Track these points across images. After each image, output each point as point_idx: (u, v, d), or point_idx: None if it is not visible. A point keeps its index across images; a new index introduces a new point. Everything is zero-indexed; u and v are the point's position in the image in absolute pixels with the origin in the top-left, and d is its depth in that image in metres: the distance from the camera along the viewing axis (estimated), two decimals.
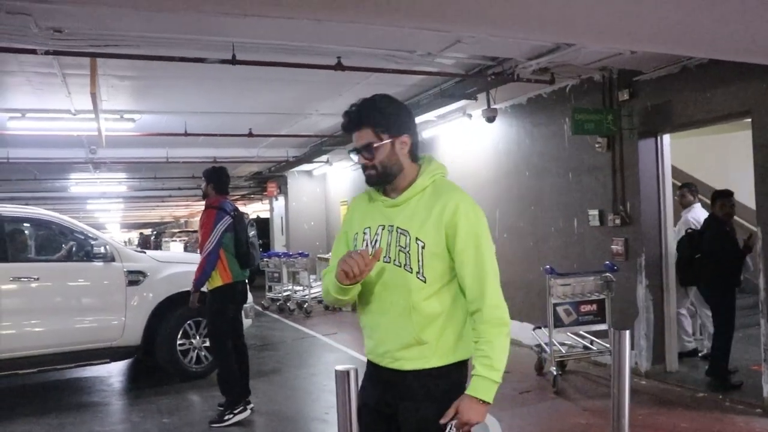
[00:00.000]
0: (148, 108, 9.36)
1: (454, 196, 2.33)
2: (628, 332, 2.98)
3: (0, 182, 16.88)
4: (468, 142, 10.20)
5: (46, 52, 5.67)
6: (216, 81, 7.91)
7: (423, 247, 2.27)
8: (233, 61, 6.05)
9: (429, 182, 2.38)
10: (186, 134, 10.14)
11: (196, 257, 6.26)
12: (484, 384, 2.21)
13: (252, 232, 6.12)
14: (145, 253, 7.69)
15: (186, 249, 27.85)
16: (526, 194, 8.84)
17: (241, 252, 5.86)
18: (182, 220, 45.65)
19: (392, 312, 2.32)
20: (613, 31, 4.44)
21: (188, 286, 6.10)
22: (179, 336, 7.20)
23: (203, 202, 6.08)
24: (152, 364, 7.46)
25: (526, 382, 7.01)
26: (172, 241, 30.40)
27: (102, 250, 7.00)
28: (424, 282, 2.28)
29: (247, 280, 6.13)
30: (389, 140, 2.33)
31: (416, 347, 2.29)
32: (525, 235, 8.88)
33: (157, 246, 28.74)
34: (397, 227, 2.32)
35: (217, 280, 5.75)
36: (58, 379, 7.73)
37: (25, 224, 7.51)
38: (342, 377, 2.30)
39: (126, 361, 7.75)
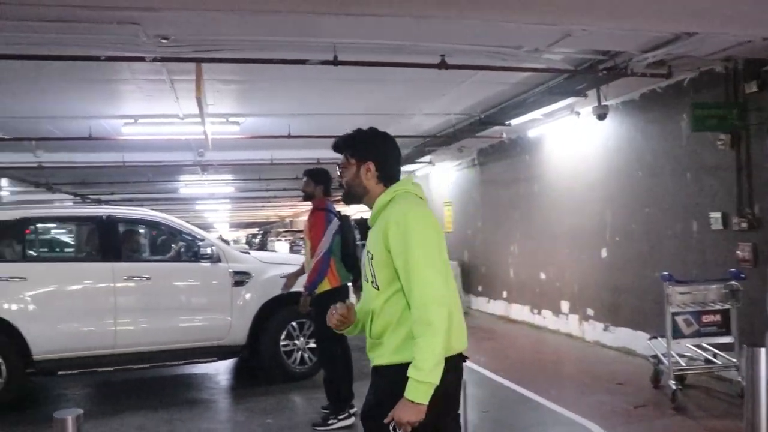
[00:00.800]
0: (252, 111, 9.50)
1: (396, 207, 2.59)
2: (764, 350, 2.67)
3: (117, 184, 17.73)
4: (576, 141, 9.78)
5: (154, 59, 5.81)
6: (318, 82, 7.90)
7: (372, 258, 2.60)
8: (335, 62, 5.99)
9: (388, 199, 2.66)
10: (290, 136, 10.22)
11: (299, 258, 6.22)
12: (411, 384, 2.35)
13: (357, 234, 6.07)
14: (249, 254, 7.78)
15: (291, 249, 28.44)
16: (640, 195, 8.36)
17: (348, 254, 5.77)
18: (287, 220, 46.66)
19: (368, 318, 2.64)
20: (745, 16, 4.04)
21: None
22: (283, 337, 7.22)
23: (306, 203, 6.03)
24: (257, 364, 7.54)
25: (641, 395, 6.58)
26: (278, 240, 31.10)
27: (209, 251, 7.12)
28: (378, 290, 2.57)
29: (350, 283, 6.06)
30: (355, 164, 2.73)
31: (378, 347, 2.59)
32: (638, 239, 8.39)
33: (263, 245, 29.41)
34: (366, 245, 2.70)
35: (325, 284, 5.67)
36: (168, 375, 7.94)
37: (137, 225, 7.77)
38: None
39: (231, 360, 7.89)
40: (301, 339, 7.30)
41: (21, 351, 6.39)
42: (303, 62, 6.11)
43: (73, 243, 11.47)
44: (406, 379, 2.36)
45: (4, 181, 15.83)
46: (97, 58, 5.78)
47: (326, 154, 13.61)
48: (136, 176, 15.73)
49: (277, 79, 7.73)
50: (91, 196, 21.12)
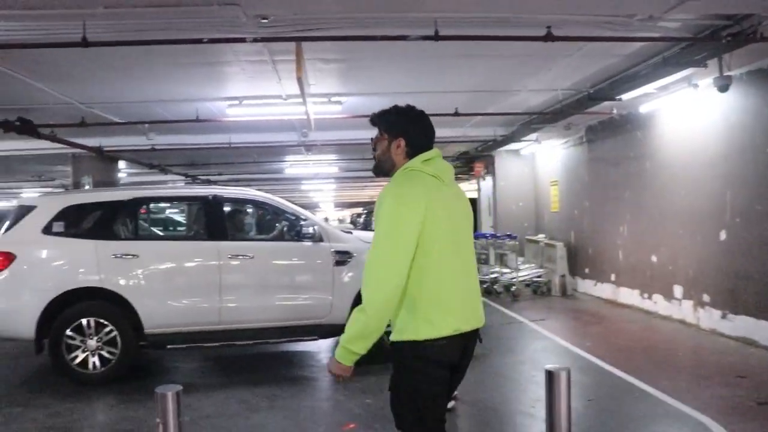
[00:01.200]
0: (354, 90, 9.45)
1: (387, 185, 2.72)
2: None
3: (225, 165, 18.26)
4: (693, 116, 9.17)
5: (254, 40, 5.84)
6: (420, 60, 7.75)
7: None
8: (436, 37, 5.82)
9: (399, 174, 2.79)
10: None
11: None
12: (338, 347, 2.69)
13: None
14: (351, 233, 7.76)
15: None
16: (766, 174, 7.73)
17: None
18: None
19: None
20: None
21: None
22: None
23: None
24: None
25: (765, 390, 6.12)
26: None
27: (311, 230, 7.15)
28: None
29: None
30: (387, 139, 2.86)
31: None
32: (763, 221, 7.78)
33: (367, 225, 29.68)
34: None
35: None
36: (270, 351, 8.09)
37: (242, 205, 7.91)
38: (555, 377, 2.67)
39: (333, 339, 7.92)
40: None
41: (134, 325, 6.67)
42: (403, 38, 5.97)
43: (181, 222, 11.93)
44: (403, 355, 2.69)
45: (122, 164, 16.59)
46: (199, 41, 5.86)
47: None
48: (243, 157, 16.11)
49: (378, 57, 7.63)
50: (201, 177, 21.89)
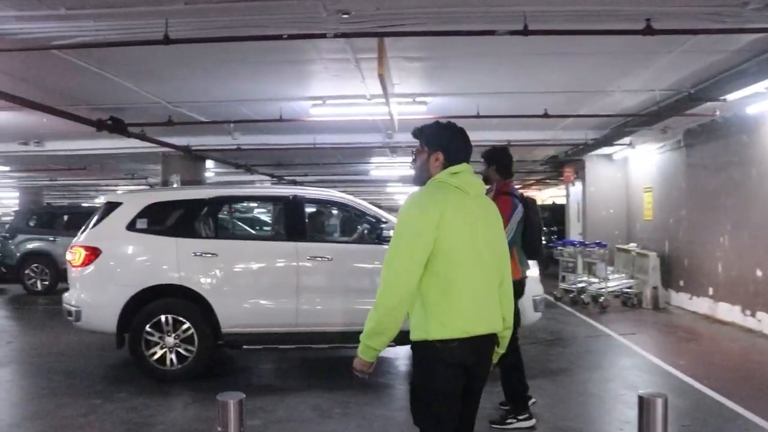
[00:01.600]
0: (439, 90, 9.21)
1: (412, 193, 2.96)
2: None
3: (310, 166, 18.35)
4: None
5: (335, 35, 5.69)
6: (507, 58, 7.45)
7: None
8: (525, 32, 5.49)
9: (427, 184, 2.98)
10: (478, 116, 9.80)
11: None
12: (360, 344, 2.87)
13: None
14: None
15: None
16: None
17: (532, 241, 5.29)
18: None
19: None
20: None
21: None
22: None
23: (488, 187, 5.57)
24: None
25: None
26: None
27: (391, 233, 6.91)
28: None
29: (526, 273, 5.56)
30: (426, 152, 2.99)
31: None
32: None
33: None
34: None
35: None
36: (346, 356, 7.90)
37: (322, 206, 7.79)
38: (650, 405, 2.47)
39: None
40: None
41: (211, 323, 6.64)
42: (491, 33, 5.68)
43: (261, 222, 11.98)
44: (418, 354, 2.88)
45: (210, 163, 16.92)
46: (279, 37, 5.75)
47: (517, 135, 13.10)
48: (328, 158, 16.14)
49: (465, 55, 7.37)
50: (287, 178, 22.12)
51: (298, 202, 7.11)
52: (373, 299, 6.05)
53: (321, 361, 7.77)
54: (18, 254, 14.89)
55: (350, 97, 9.34)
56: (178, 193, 7.49)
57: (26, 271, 14.71)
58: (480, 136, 12.91)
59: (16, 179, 22.93)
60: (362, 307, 6.68)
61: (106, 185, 24.23)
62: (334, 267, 6.77)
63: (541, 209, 5.68)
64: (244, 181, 20.35)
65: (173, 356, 6.65)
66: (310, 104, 9.59)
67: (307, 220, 7.30)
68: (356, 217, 7.40)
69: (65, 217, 15.85)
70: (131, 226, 6.91)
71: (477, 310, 2.83)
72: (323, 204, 7.75)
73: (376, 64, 6.45)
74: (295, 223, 7.06)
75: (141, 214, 6.96)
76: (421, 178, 3.04)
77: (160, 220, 7.08)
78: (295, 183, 22.22)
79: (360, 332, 6.18)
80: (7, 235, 15.63)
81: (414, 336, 2.87)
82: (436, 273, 2.78)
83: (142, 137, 11.19)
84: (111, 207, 7.10)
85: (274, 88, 9.01)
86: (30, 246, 14.94)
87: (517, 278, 5.18)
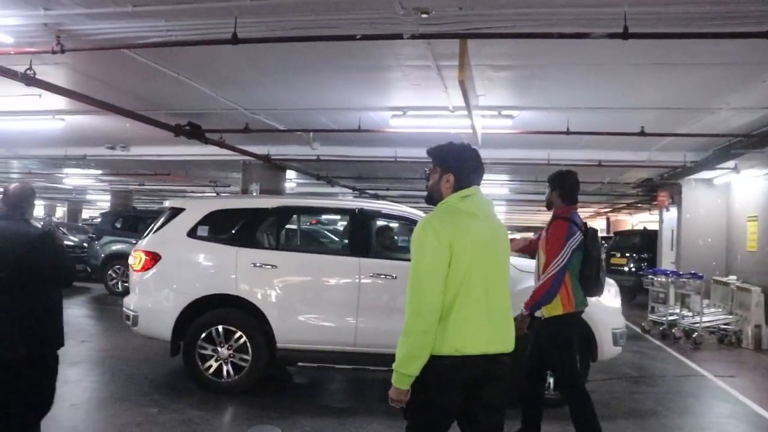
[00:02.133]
0: (527, 103, 8.67)
1: (424, 216, 3.22)
2: None
3: (392, 180, 18.02)
4: None
5: (412, 36, 5.30)
6: (604, 68, 6.89)
7: None
8: (624, 35, 4.92)
9: (437, 208, 3.03)
10: (568, 132, 9.21)
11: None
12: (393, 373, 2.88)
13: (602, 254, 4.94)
14: None
15: None
16: None
17: (589, 275, 4.76)
18: None
19: None
20: None
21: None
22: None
23: (586, 209, 5.07)
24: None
25: None
26: None
27: None
28: None
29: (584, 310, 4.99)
30: (439, 173, 3.05)
31: None
32: None
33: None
34: None
35: (556, 307, 4.72)
36: None
37: (389, 221, 7.40)
38: None
39: None
40: None
41: (267, 337, 6.36)
42: (585, 36, 5.15)
43: (324, 234, 11.68)
44: (426, 371, 2.83)
45: (291, 174, 16.87)
46: (352, 38, 5.40)
47: (609, 155, 12.36)
48: (410, 172, 15.75)
49: (556, 64, 6.86)
50: (368, 191, 21.87)
51: (363, 216, 6.74)
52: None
53: (384, 383, 7.31)
54: (102, 255, 15.17)
55: (432, 109, 8.94)
56: (241, 201, 7.24)
57: (109, 272, 14.96)
58: (568, 155, 12.28)
59: (107, 183, 23.62)
60: None
61: (192, 191, 24.69)
62: (398, 285, 6.34)
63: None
64: (324, 193, 20.25)
65: (229, 368, 6.37)
66: (390, 115, 9.24)
67: (372, 235, 6.91)
68: None
69: (149, 221, 16.06)
70: (192, 233, 6.68)
71: (476, 331, 2.87)
72: (390, 218, 7.34)
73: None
74: (359, 237, 6.70)
75: (203, 221, 6.73)
76: (433, 198, 3.11)
77: (222, 228, 6.84)
78: (377, 197, 21.97)
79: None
80: (93, 236, 15.99)
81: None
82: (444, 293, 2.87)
83: (221, 144, 11.12)
84: (174, 212, 6.91)
85: (353, 97, 8.71)
86: (113, 248, 15.18)
87: (570, 311, 4.74)
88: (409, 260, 5.97)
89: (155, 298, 6.57)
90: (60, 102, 9.80)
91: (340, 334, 6.31)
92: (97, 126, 11.78)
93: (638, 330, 11.60)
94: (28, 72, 6.79)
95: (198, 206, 7.03)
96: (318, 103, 9.17)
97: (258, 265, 6.38)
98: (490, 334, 2.91)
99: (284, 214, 7.18)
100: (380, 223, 7.14)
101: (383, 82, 7.88)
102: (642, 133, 9.07)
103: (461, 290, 2.85)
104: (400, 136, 11.11)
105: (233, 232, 6.75)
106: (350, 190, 20.74)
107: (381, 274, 6.35)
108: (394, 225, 7.47)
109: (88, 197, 33.60)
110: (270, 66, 7.30)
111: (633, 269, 16.23)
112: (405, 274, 6.07)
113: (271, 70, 7.52)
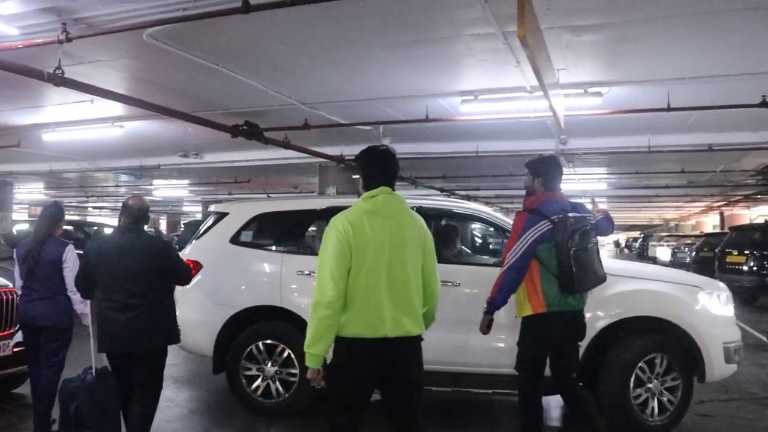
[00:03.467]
0: (617, 77, 7.45)
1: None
2: None
3: (478, 178, 16.97)
4: None
5: None
6: (714, 22, 5.65)
7: None
8: None
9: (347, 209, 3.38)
10: (669, 109, 7.84)
11: (662, 272, 4.22)
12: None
13: (592, 241, 4.30)
14: None
15: (674, 255, 25.12)
16: None
17: (562, 269, 4.16)
18: (672, 224, 42.37)
19: None
20: None
21: (648, 310, 5.08)
22: (632, 378, 5.16)
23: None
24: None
25: None
26: (659, 246, 27.88)
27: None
28: None
29: (580, 311, 4.33)
30: (360, 176, 3.42)
31: None
32: None
33: (642, 252, 26.47)
34: None
35: (525, 308, 4.28)
36: (487, 400, 6.39)
37: (453, 220, 6.42)
38: None
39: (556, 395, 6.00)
40: (654, 382, 5.17)
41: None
42: None
43: None
44: (335, 353, 3.22)
45: None
46: None
47: (721, 138, 10.79)
48: (496, 169, 14.66)
49: (650, 19, 5.68)
50: (457, 192, 20.84)
51: (423, 215, 5.76)
52: (507, 335, 5.06)
53: (450, 403, 6.31)
54: None
55: (506, 90, 7.87)
56: (288, 203, 6.47)
57: None
58: (672, 140, 10.91)
59: (195, 193, 23.74)
60: (494, 344, 5.23)
61: (279, 199, 24.53)
62: (461, 294, 5.35)
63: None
64: (409, 196, 19.41)
65: (278, 386, 5.61)
66: (460, 100, 8.23)
67: (433, 236, 5.94)
68: (494, 233, 5.90)
69: None
70: (235, 239, 6.01)
71: (379, 317, 3.16)
72: (456, 217, 6.34)
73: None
74: None
75: (246, 226, 6.06)
76: (360, 197, 3.40)
77: (267, 233, 6.12)
78: (468, 198, 20.91)
79: (493, 374, 5.28)
80: (177, 247, 15.81)
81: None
82: (348, 283, 3.17)
83: (287, 145, 10.47)
84: (218, 217, 6.27)
85: (415, 80, 7.80)
86: None
87: (541, 312, 4.21)
88: (475, 264, 5.05)
89: (196, 310, 5.86)
90: (117, 108, 9.52)
91: None
92: (156, 132, 11.53)
93: (763, 338, 10.02)
94: (57, 72, 6.31)
95: (241, 210, 6.34)
96: (378, 91, 8.33)
97: (305, 273, 5.56)
98: (393, 319, 3.20)
99: (334, 215, 6.37)
100: (443, 223, 6.18)
101: (445, 59, 6.93)
102: (764, 104, 7.63)
103: (368, 280, 3.17)
104: (479, 128, 10.15)
105: (279, 236, 6.02)
106: (438, 191, 19.78)
107: (444, 281, 5.39)
108: (457, 224, 6.48)
109: (185, 208, 34.30)
110: (314, 48, 6.62)
111: (754, 268, 14.50)
112: (469, 281, 5.10)
113: (316, 53, 6.81)
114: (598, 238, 4.56)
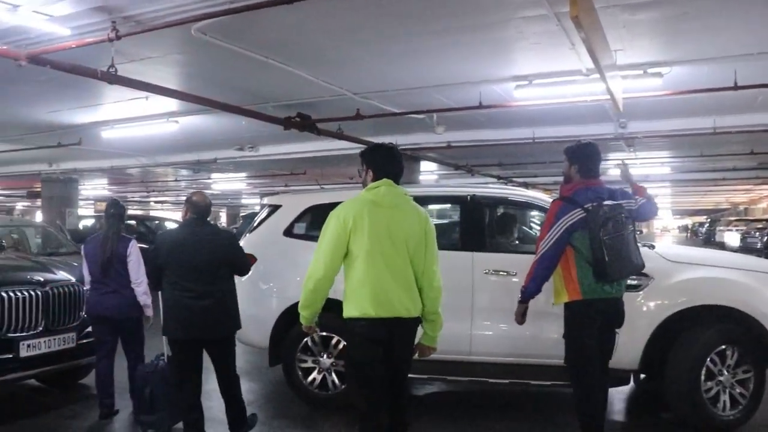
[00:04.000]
0: (678, 56, 7.09)
1: None
2: None
3: (535, 165, 16.66)
4: None
5: None
6: None
7: None
8: None
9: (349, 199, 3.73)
10: (736, 87, 7.44)
11: (731, 258, 4.02)
12: None
13: (628, 229, 4.25)
14: (653, 248, 5.57)
15: (744, 240, 24.23)
16: None
17: (596, 257, 4.12)
18: (741, 207, 40.86)
19: None
20: None
21: (716, 298, 4.88)
22: (703, 371, 4.92)
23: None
24: (656, 395, 5.36)
25: None
26: (728, 230, 26.92)
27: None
28: None
29: (618, 298, 4.31)
30: (365, 169, 3.73)
31: None
32: None
33: (709, 237, 25.55)
34: None
35: (562, 295, 4.30)
36: (549, 392, 6.21)
37: (510, 209, 6.26)
38: None
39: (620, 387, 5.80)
40: (725, 374, 4.93)
41: None
42: None
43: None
44: (346, 328, 3.61)
45: (430, 165, 16.02)
46: None
47: None
48: (554, 155, 14.21)
49: None
50: (515, 179, 20.51)
51: (477, 204, 5.67)
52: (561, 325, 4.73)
53: (504, 396, 6.16)
54: None
55: (561, 74, 7.62)
56: (340, 194, 6.36)
57: None
58: (739, 121, 10.44)
59: (252, 185, 23.98)
60: (552, 336, 5.07)
61: (332, 190, 24.60)
62: (518, 284, 5.20)
63: None
64: (468, 185, 19.21)
65: (334, 377, 5.57)
66: (514, 85, 8.01)
67: (488, 226, 5.81)
68: None
69: None
70: (289, 232, 5.98)
71: (380, 298, 3.48)
72: (513, 206, 6.18)
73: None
74: (472, 228, 5.63)
75: (300, 218, 6.02)
76: (365, 188, 3.69)
77: (320, 224, 5.98)
78: (526, 186, 20.57)
79: (550, 366, 5.20)
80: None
81: (344, 313, 3.60)
82: (351, 267, 3.54)
83: (339, 135, 10.43)
84: (271, 210, 6.24)
85: (467, 67, 7.61)
86: None
87: (576, 299, 4.21)
88: (531, 253, 4.91)
89: (251, 303, 5.82)
90: (171, 104, 9.64)
91: (452, 342, 5.28)
92: (211, 126, 11.66)
93: None
94: (110, 70, 6.41)
95: (295, 202, 6.31)
96: (430, 79, 8.16)
97: None
98: (392, 302, 3.51)
99: None
100: (499, 211, 6.03)
101: (497, 44, 6.73)
102: None
103: (365, 265, 3.48)
104: (534, 113, 9.90)
105: None
106: (495, 179, 19.50)
107: (499, 271, 5.26)
108: (514, 212, 6.31)
109: (243, 201, 34.76)
110: (363, 37, 6.54)
111: None
112: (526, 270, 4.99)
113: (365, 42, 6.72)
114: (662, 223, 4.46)
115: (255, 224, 6.30)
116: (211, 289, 4.42)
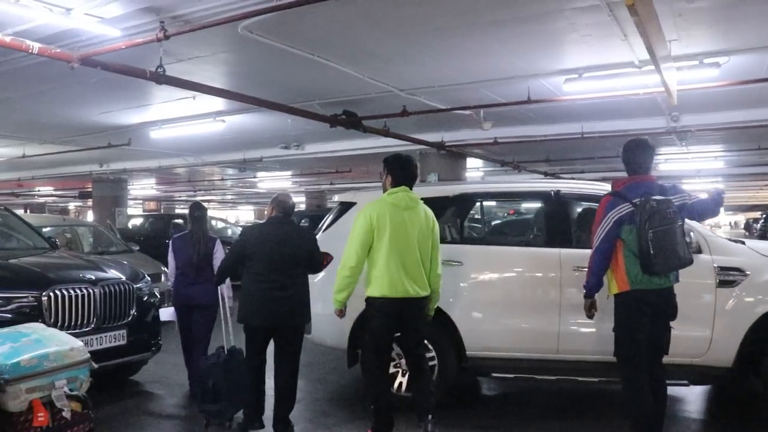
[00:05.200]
0: (736, 45, 6.81)
1: None
2: None
3: (584, 161, 16.34)
4: None
5: None
6: None
7: None
8: None
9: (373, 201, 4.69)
10: None
11: None
12: None
13: (675, 224, 4.20)
14: (743, 243, 5.43)
15: None
16: None
17: (642, 250, 4.16)
18: None
19: None
20: None
21: None
22: None
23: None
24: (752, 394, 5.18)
25: None
26: None
27: (686, 238, 5.01)
28: None
29: (668, 288, 4.31)
30: (385, 174, 4.72)
31: None
32: None
33: (765, 232, 24.73)
34: None
35: (612, 287, 4.39)
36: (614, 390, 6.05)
37: (594, 203, 6.09)
38: None
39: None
40: None
41: (454, 344, 5.46)
42: None
43: (516, 224, 10.34)
44: (367, 305, 4.66)
45: (476, 162, 15.83)
46: None
47: None
48: (603, 150, 13.96)
49: None
50: (562, 175, 20.18)
51: (562, 199, 5.62)
52: None
53: (592, 396, 6.00)
54: None
55: (612, 66, 7.40)
56: (418, 190, 6.20)
57: None
58: None
59: (298, 184, 24.04)
60: None
61: (375, 187, 24.50)
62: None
63: None
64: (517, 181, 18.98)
65: (404, 380, 5.46)
66: (563, 79, 7.81)
67: (574, 221, 5.77)
68: None
69: None
70: None
71: (395, 282, 4.47)
72: (595, 200, 6.01)
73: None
74: (558, 224, 5.60)
75: None
76: (384, 191, 4.70)
77: None
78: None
79: None
80: None
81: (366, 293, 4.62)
82: (374, 257, 4.51)
83: (386, 132, 10.37)
84: (344, 207, 6.18)
85: (516, 61, 7.45)
86: None
87: (625, 290, 4.28)
88: None
89: (329, 303, 5.78)
90: (218, 103, 9.70)
91: (540, 340, 5.28)
92: (257, 125, 11.70)
93: None
94: (159, 70, 6.46)
95: (370, 199, 6.20)
96: (477, 74, 8.02)
97: (442, 261, 5.41)
98: (404, 284, 4.47)
99: (467, 201, 6.20)
100: (583, 206, 5.89)
101: (546, 36, 6.56)
102: None
103: (388, 254, 4.43)
104: (584, 108, 9.67)
105: None
106: (542, 175, 19.19)
107: (585, 267, 5.14)
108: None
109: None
110: (408, 32, 6.45)
111: None
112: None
113: (411, 37, 6.63)
114: (714, 219, 4.36)
115: (328, 222, 6.24)
116: (290, 281, 4.78)
